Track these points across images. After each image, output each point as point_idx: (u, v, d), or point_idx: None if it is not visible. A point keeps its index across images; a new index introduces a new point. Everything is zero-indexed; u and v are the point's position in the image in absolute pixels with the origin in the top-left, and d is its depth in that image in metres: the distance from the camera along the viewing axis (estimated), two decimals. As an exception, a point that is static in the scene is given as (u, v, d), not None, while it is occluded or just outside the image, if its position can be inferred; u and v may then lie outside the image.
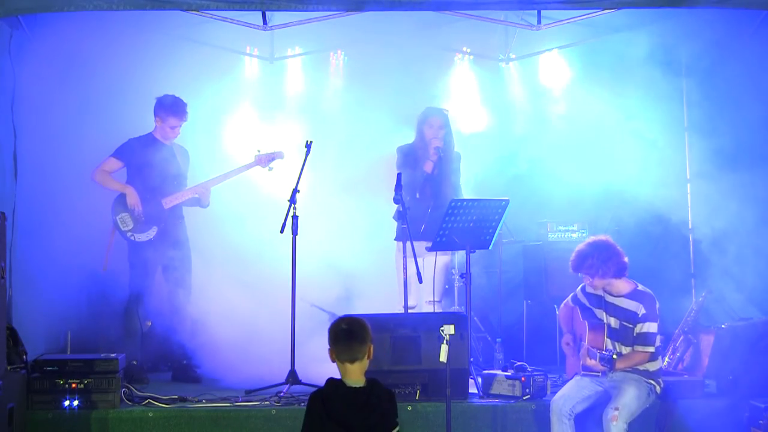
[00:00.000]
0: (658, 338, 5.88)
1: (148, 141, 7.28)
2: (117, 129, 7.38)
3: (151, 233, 7.16)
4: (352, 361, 4.18)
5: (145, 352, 7.30)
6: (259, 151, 7.41)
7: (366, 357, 4.22)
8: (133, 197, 7.13)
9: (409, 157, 7.08)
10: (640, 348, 5.74)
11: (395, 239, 7.04)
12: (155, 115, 7.27)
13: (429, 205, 6.95)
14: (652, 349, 5.76)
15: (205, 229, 7.62)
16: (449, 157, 7.08)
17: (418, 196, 6.98)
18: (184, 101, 7.27)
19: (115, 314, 7.30)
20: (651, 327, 5.75)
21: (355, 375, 4.20)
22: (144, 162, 7.18)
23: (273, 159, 7.39)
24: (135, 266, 7.15)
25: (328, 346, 4.25)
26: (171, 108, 7.22)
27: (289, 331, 6.52)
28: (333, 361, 4.24)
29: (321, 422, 4.13)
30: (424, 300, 6.97)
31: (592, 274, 5.82)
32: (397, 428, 4.21)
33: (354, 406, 4.14)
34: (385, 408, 4.18)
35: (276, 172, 7.48)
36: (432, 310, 6.94)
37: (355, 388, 4.19)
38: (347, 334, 4.20)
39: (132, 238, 7.14)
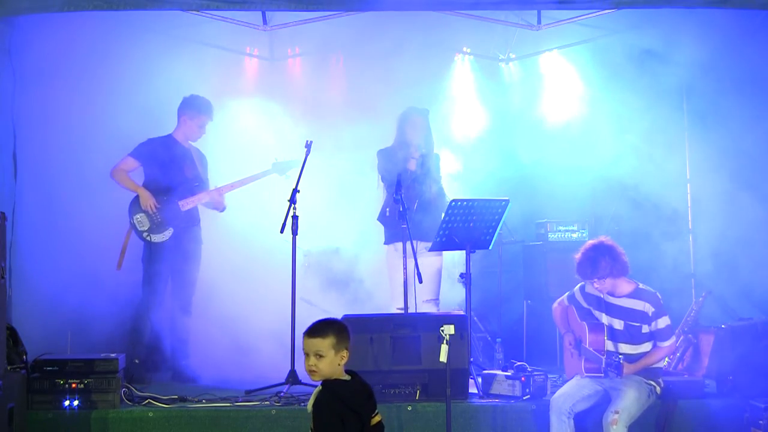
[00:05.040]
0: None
1: (168, 142, 7.28)
2: (116, 129, 7.38)
3: (167, 234, 7.14)
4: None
5: (146, 353, 7.29)
6: (276, 159, 7.39)
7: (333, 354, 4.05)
8: (145, 198, 7.10)
9: (391, 158, 7.11)
10: (662, 344, 5.81)
11: (385, 243, 7.12)
12: (181, 114, 7.28)
13: (413, 203, 6.96)
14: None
15: (203, 227, 7.61)
16: (430, 156, 7.11)
17: (402, 195, 7.00)
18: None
19: (113, 314, 7.28)
20: (665, 321, 5.81)
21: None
22: (162, 162, 7.17)
23: (290, 168, 7.32)
24: (150, 266, 7.12)
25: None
26: (202, 106, 7.27)
27: (289, 330, 6.52)
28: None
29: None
30: (421, 299, 6.94)
31: (605, 276, 5.81)
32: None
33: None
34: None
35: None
36: (428, 310, 6.94)
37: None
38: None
39: (148, 238, 7.11)
